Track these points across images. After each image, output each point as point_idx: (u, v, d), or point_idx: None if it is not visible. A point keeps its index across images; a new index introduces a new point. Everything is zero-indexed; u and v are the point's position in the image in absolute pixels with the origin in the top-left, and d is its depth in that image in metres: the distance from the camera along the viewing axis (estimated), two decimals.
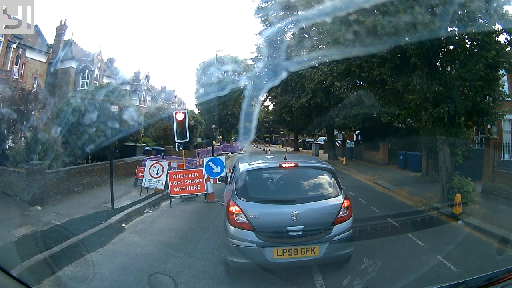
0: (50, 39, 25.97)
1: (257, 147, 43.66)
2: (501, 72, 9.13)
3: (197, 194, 10.69)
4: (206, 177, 10.59)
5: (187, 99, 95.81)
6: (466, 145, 11.18)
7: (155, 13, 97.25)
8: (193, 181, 10.43)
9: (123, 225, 7.93)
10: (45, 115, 14.24)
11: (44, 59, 24.51)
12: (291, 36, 24.73)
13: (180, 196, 10.58)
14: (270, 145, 52.17)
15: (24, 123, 13.26)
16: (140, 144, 20.57)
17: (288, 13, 20.97)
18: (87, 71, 27.74)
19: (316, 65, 21.72)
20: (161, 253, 6.14)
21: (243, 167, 5.45)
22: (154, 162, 11.63)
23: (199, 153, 22.64)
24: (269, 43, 26.52)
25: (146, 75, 38.98)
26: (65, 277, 5.03)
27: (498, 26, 8.27)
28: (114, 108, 11.21)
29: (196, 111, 36.13)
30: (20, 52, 21.88)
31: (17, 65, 21.79)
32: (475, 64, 8.27)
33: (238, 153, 32.62)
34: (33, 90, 17.10)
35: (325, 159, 21.13)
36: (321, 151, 33.60)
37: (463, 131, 9.52)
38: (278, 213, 4.84)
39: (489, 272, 2.74)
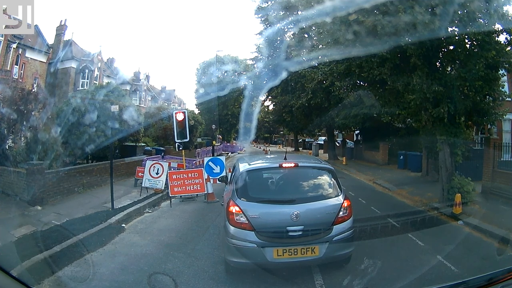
0: (50, 39, 25.99)
1: (257, 147, 43.67)
2: (501, 72, 9.14)
3: (197, 194, 10.69)
4: (206, 177, 10.58)
5: (187, 99, 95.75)
6: (466, 145, 11.18)
7: (155, 13, 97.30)
8: (193, 181, 10.43)
9: (123, 225, 7.93)
10: (45, 115, 14.24)
11: (44, 59, 24.49)
12: (291, 36, 24.72)
13: (180, 196, 10.58)
14: (270, 145, 52.17)
15: (24, 123, 13.27)
16: (140, 144, 20.58)
17: (288, 13, 20.95)
18: (87, 71, 27.72)
19: (316, 65, 21.72)
20: (161, 253, 6.14)
21: (243, 167, 5.45)
22: (154, 162, 11.63)
23: (199, 153, 22.64)
24: (269, 43, 26.52)
25: (146, 75, 38.99)
26: (65, 277, 5.03)
27: (498, 26, 8.29)
28: (114, 108, 11.22)
29: (196, 111, 36.08)
30: (20, 52, 21.87)
31: (17, 65, 21.77)
32: (475, 64, 8.27)
33: (238, 153, 32.62)
34: (33, 90, 17.10)
35: (325, 159, 21.13)
36: (321, 151, 33.61)
37: (463, 131, 9.52)
38: (278, 213, 4.83)
39: (489, 272, 2.74)
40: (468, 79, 8.47)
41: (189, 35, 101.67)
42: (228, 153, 32.05)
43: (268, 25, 26.42)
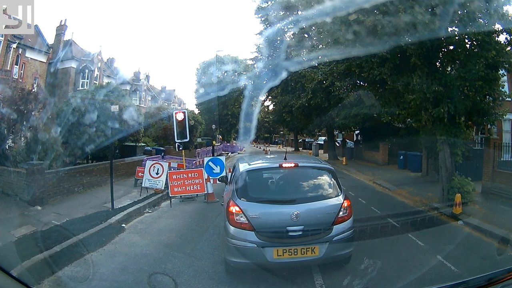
0: (50, 39, 26.00)
1: (257, 147, 43.66)
2: (501, 72, 9.13)
3: (197, 194, 10.68)
4: (206, 177, 10.58)
5: (187, 99, 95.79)
6: (466, 145, 11.18)
7: (155, 13, 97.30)
8: (193, 181, 10.42)
9: (123, 225, 7.93)
10: (45, 115, 14.24)
11: (44, 59, 24.50)
12: (291, 36, 24.74)
13: (180, 196, 10.57)
14: (270, 145, 52.18)
15: (24, 123, 13.26)
16: (140, 144, 20.59)
17: (288, 13, 20.97)
18: (87, 71, 27.72)
19: (316, 65, 21.73)
20: (161, 253, 6.14)
21: (243, 167, 5.45)
22: (154, 162, 11.63)
23: (199, 153, 22.64)
24: (269, 43, 26.53)
25: (146, 75, 39.00)
26: (65, 277, 5.03)
27: (498, 26, 8.28)
28: (114, 108, 11.21)
29: (196, 111, 36.10)
30: (20, 52, 21.87)
31: (17, 65, 21.78)
32: (475, 64, 8.27)
33: (238, 153, 32.61)
34: (33, 90, 17.08)
35: (325, 159, 21.14)
36: (321, 151, 33.61)
37: (463, 131, 9.51)
38: (278, 213, 4.83)
39: (489, 272, 2.73)
40: (468, 79, 8.46)
41: (189, 35, 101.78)
42: (228, 153, 32.04)
43: (268, 25, 26.43)
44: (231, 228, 4.81)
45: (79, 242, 6.33)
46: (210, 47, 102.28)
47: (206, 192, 10.56)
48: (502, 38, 8.64)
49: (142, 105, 33.97)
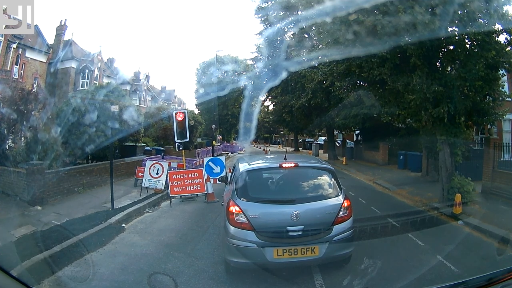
0: (50, 39, 25.99)
1: (257, 147, 43.65)
2: (501, 72, 9.13)
3: (197, 194, 10.68)
4: (206, 177, 10.58)
5: (187, 99, 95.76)
6: (466, 145, 11.17)
7: (155, 13, 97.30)
8: (193, 181, 10.43)
9: (123, 225, 7.93)
10: (45, 115, 14.25)
11: (44, 59, 24.49)
12: (291, 36, 24.76)
13: (180, 196, 10.58)
14: (270, 145, 52.19)
15: (24, 123, 13.26)
16: (140, 144, 20.60)
17: (288, 13, 20.99)
18: (87, 71, 27.71)
19: (316, 65, 21.76)
20: (161, 253, 6.14)
21: (243, 167, 5.45)
22: (154, 162, 11.63)
23: (199, 153, 22.64)
24: (269, 43, 26.55)
25: (146, 75, 38.96)
26: (65, 277, 5.03)
27: (498, 26, 8.28)
28: (114, 108, 11.21)
29: (196, 111, 36.10)
30: (20, 52, 21.86)
31: (17, 65, 21.77)
32: (475, 64, 8.27)
33: (238, 153, 32.61)
34: (33, 90, 17.08)
35: (325, 159, 21.14)
36: (321, 151, 33.61)
37: (463, 131, 9.51)
38: (278, 213, 4.84)
39: (489, 272, 2.74)
40: (468, 79, 8.46)
41: (189, 35, 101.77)
42: (228, 153, 32.03)
43: (268, 25, 26.46)
44: (231, 228, 4.81)
45: (79, 242, 6.33)
46: (210, 47, 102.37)
47: (206, 192, 10.56)
48: (502, 38, 8.64)
49: (142, 105, 33.96)
